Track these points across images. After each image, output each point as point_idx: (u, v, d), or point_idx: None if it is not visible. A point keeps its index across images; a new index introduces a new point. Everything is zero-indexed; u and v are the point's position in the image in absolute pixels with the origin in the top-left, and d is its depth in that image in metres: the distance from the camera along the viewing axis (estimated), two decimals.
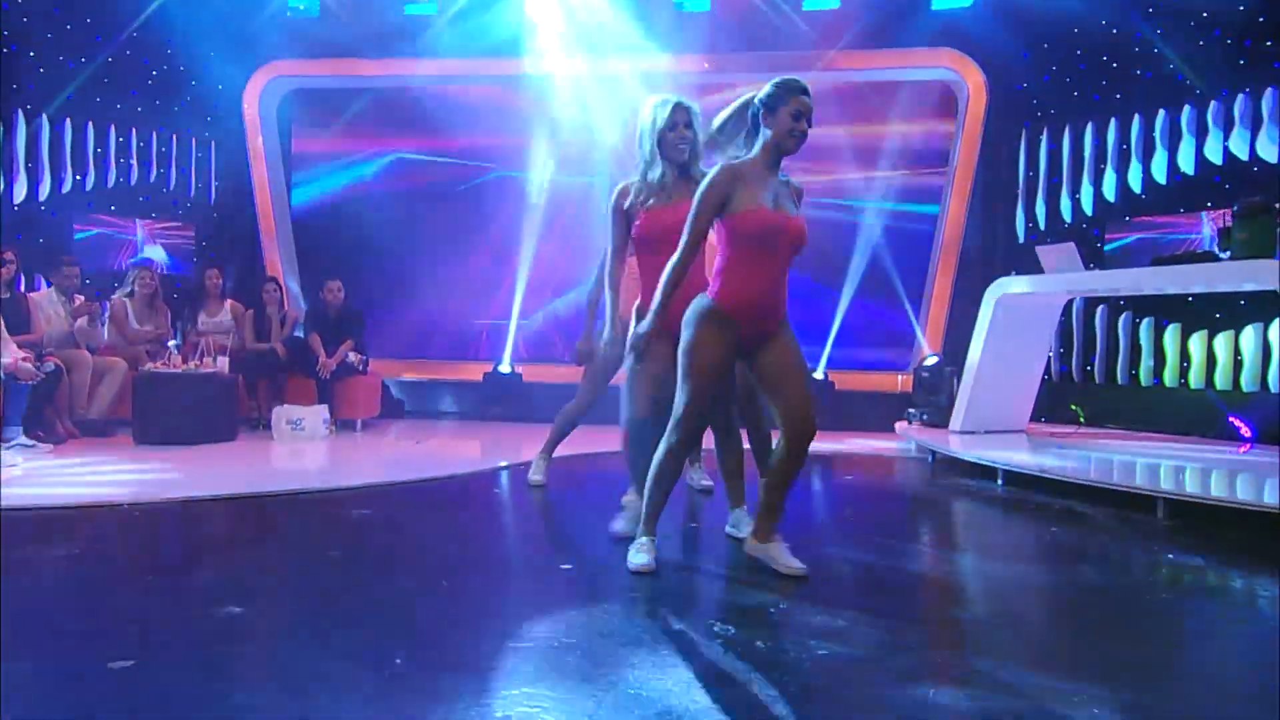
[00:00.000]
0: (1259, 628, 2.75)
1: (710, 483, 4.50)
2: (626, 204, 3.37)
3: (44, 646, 2.29)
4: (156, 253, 8.34)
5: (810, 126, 2.90)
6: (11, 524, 3.64)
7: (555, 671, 2.08)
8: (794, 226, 2.91)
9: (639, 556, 2.98)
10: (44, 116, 7.69)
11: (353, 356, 7.15)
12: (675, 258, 2.91)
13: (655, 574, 2.94)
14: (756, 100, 2.92)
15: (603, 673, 2.08)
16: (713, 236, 3.01)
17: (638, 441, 3.26)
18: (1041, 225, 8.02)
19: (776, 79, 2.92)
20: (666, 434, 2.97)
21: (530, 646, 2.27)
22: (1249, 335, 6.63)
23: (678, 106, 3.32)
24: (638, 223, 3.32)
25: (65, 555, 3.30)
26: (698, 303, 2.92)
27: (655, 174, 3.32)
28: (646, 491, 3.05)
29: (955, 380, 6.44)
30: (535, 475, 4.67)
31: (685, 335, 2.91)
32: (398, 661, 2.13)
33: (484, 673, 2.09)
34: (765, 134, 2.90)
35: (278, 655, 2.30)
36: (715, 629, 2.42)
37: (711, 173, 2.90)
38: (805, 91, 2.89)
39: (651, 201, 3.29)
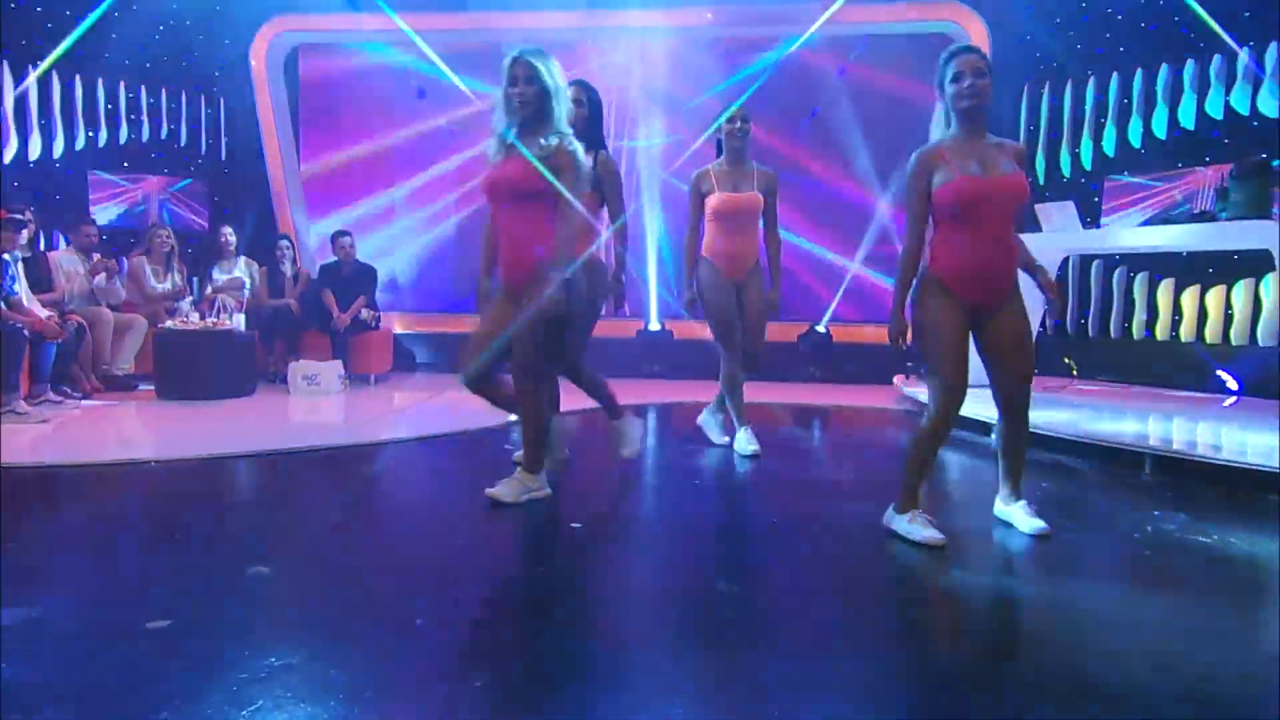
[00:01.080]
0: (1230, 584, 2.82)
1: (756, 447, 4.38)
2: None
3: (85, 606, 2.36)
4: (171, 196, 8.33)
5: (979, 78, 2.81)
6: (44, 481, 3.73)
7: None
8: (1002, 186, 2.83)
9: (926, 530, 2.91)
10: (53, 72, 7.59)
11: (365, 313, 7.19)
12: (904, 248, 2.97)
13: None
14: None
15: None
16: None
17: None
18: (1040, 180, 7.94)
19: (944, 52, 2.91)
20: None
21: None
22: (1240, 290, 6.62)
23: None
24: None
25: (98, 513, 3.37)
26: (920, 275, 2.94)
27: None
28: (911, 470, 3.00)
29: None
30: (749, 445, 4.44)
31: (913, 316, 2.95)
32: (419, 622, 2.20)
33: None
34: (946, 107, 2.90)
35: (304, 615, 2.34)
36: None
37: (910, 161, 2.94)
38: (962, 52, 2.86)
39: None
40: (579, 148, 3.15)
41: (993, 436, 3.15)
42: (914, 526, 2.92)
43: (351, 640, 2.14)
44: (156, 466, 3.99)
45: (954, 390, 2.90)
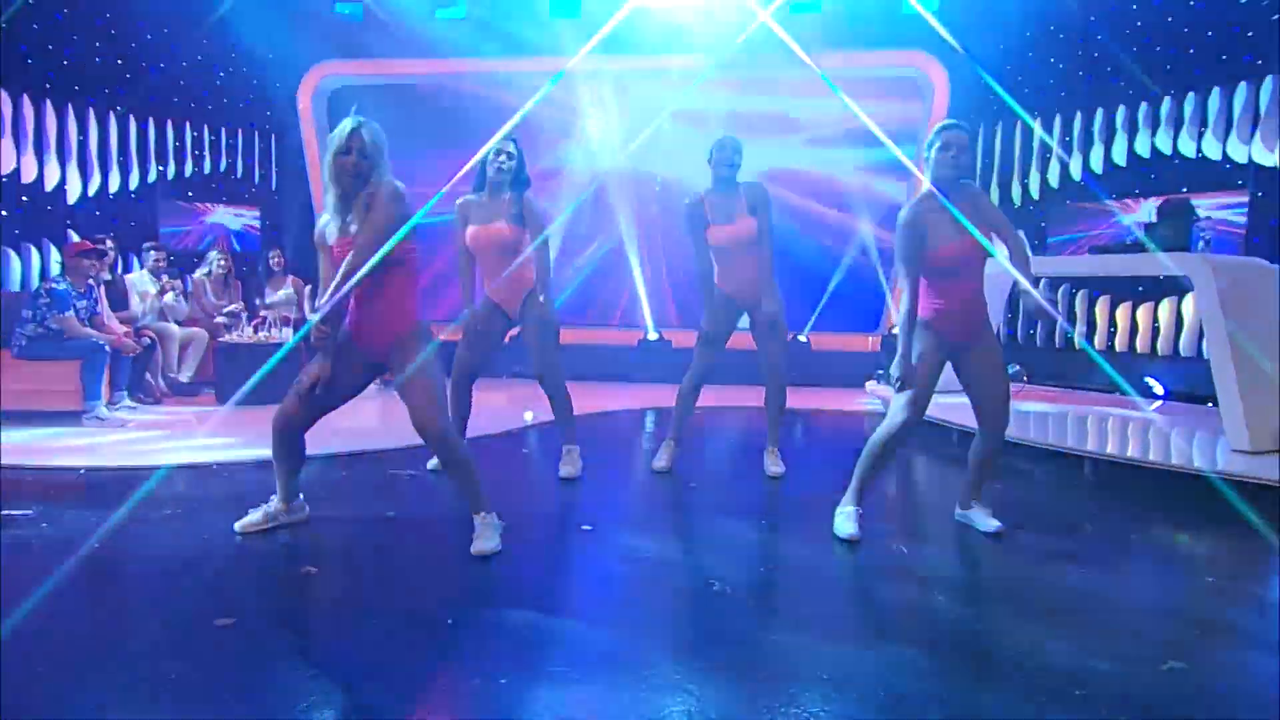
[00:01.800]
0: (1157, 568, 2.90)
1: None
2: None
3: (159, 604, 2.42)
4: (229, 222, 8.38)
5: (961, 154, 2.89)
6: (122, 483, 3.79)
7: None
8: (979, 249, 2.89)
9: (847, 526, 3.00)
10: (129, 115, 7.67)
11: None
12: (906, 302, 2.93)
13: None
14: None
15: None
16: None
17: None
18: (996, 205, 7.98)
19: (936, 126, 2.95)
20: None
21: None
22: (1165, 307, 6.70)
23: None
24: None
25: (169, 514, 3.41)
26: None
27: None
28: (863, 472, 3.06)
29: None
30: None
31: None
32: (449, 622, 2.26)
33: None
34: (931, 169, 2.96)
35: (350, 613, 2.40)
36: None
37: (900, 216, 2.94)
38: (951, 129, 2.91)
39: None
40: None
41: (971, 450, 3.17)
42: (842, 520, 3.03)
43: (390, 633, 2.21)
44: (217, 468, 4.06)
45: (914, 414, 2.96)
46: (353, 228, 2.66)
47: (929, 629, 2.37)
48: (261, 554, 2.81)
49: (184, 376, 6.31)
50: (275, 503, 3.00)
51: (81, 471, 3.93)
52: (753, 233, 3.82)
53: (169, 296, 6.45)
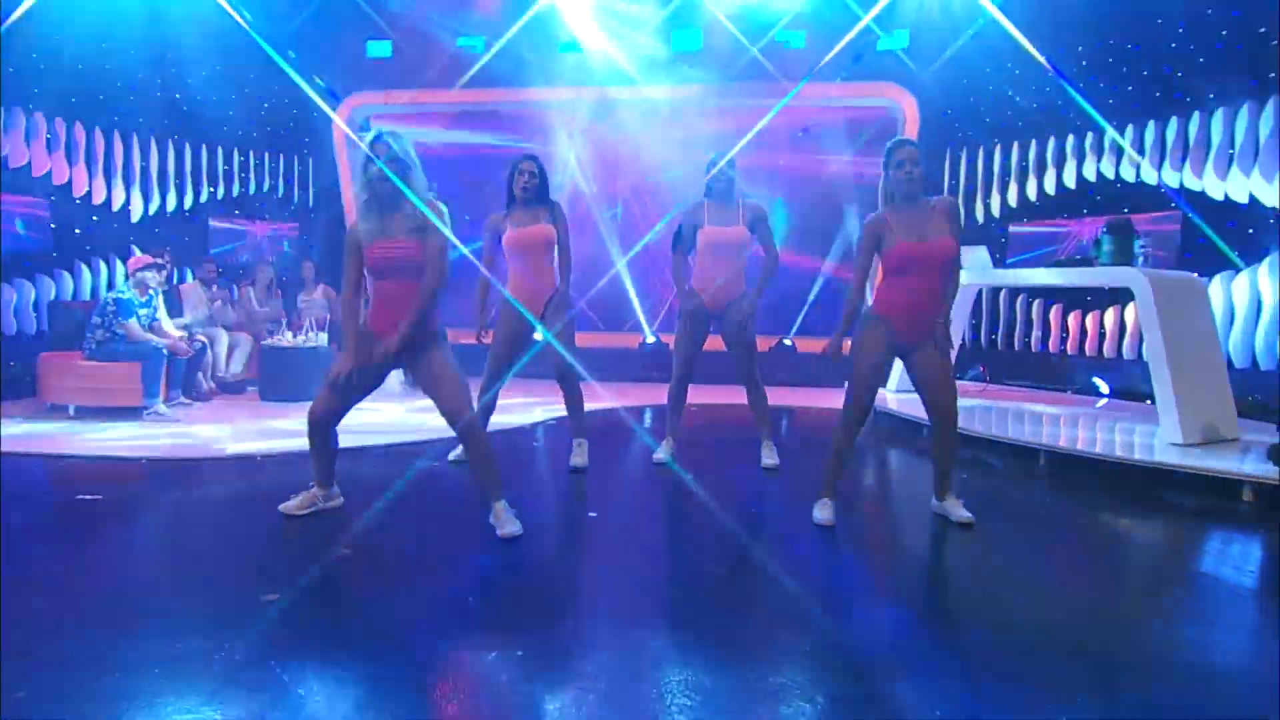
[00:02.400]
0: (1103, 550, 2.96)
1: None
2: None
3: (211, 579, 2.46)
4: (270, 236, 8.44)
5: (915, 166, 2.88)
6: (178, 471, 3.86)
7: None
8: (933, 249, 2.87)
9: (822, 514, 3.02)
10: (185, 142, 7.75)
11: None
12: (850, 292, 3.06)
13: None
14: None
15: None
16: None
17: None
18: (962, 224, 8.04)
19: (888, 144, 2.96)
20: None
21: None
22: (1110, 314, 6.76)
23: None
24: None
25: (218, 497, 3.48)
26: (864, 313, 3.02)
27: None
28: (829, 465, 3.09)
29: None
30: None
31: (853, 341, 3.03)
32: (470, 599, 2.32)
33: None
34: (889, 184, 2.96)
35: (383, 591, 2.44)
36: None
37: (861, 227, 3.03)
38: (903, 145, 2.93)
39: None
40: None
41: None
42: (819, 510, 3.05)
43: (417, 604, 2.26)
44: (262, 459, 4.11)
45: (859, 400, 3.02)
46: (392, 233, 2.70)
47: (901, 598, 2.43)
48: (301, 535, 2.86)
49: (231, 375, 6.37)
50: (314, 489, 3.05)
51: (144, 461, 3.99)
52: (742, 240, 3.82)
53: (218, 304, 6.52)
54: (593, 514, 3.33)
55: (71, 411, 5.08)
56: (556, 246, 3.71)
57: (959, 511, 3.08)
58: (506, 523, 2.80)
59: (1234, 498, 3.61)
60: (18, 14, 5.67)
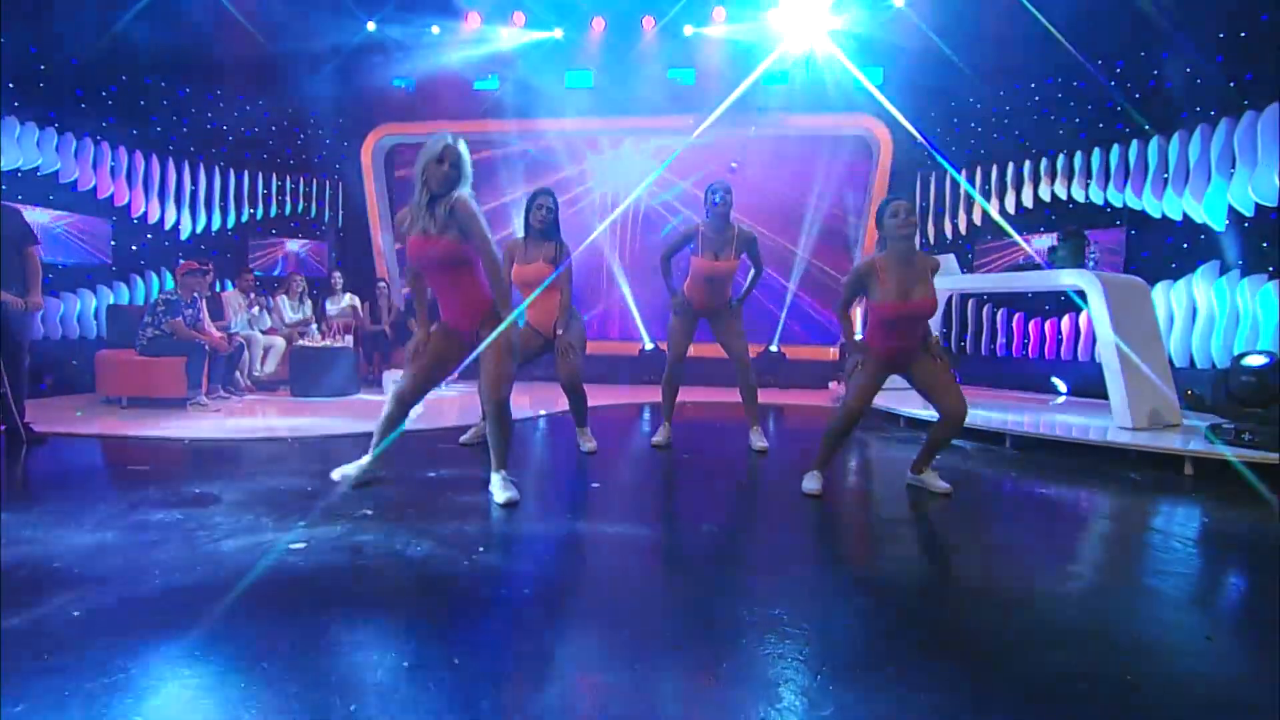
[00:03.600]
0: (1062, 517, 3.01)
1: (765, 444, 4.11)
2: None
3: (246, 525, 2.49)
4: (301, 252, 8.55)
5: (910, 217, 2.87)
6: (215, 451, 3.91)
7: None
8: (917, 307, 2.87)
9: (810, 484, 3.06)
10: (230, 168, 7.91)
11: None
12: (841, 323, 3.09)
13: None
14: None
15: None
16: None
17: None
18: (931, 241, 8.18)
19: (880, 203, 2.96)
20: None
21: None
22: (1066, 321, 6.84)
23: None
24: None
25: (254, 471, 3.53)
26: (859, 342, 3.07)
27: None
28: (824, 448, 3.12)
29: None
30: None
31: (850, 362, 3.09)
32: (480, 550, 2.33)
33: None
34: (886, 234, 2.94)
35: (399, 552, 2.51)
36: None
37: (856, 264, 3.04)
38: (898, 199, 2.92)
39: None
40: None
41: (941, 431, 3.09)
42: (809, 480, 3.10)
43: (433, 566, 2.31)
44: (292, 441, 4.17)
45: (858, 408, 3.06)
46: (432, 229, 2.69)
47: (883, 557, 2.48)
48: (326, 499, 2.91)
49: (265, 375, 6.44)
50: (368, 460, 3.06)
51: (186, 442, 4.06)
52: (733, 270, 3.93)
53: (255, 310, 6.61)
54: (595, 484, 3.38)
55: (124, 403, 5.15)
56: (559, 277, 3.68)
57: (938, 483, 3.11)
58: (505, 490, 2.84)
59: (1178, 471, 3.68)
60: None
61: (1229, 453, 3.55)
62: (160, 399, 5.12)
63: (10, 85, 5.90)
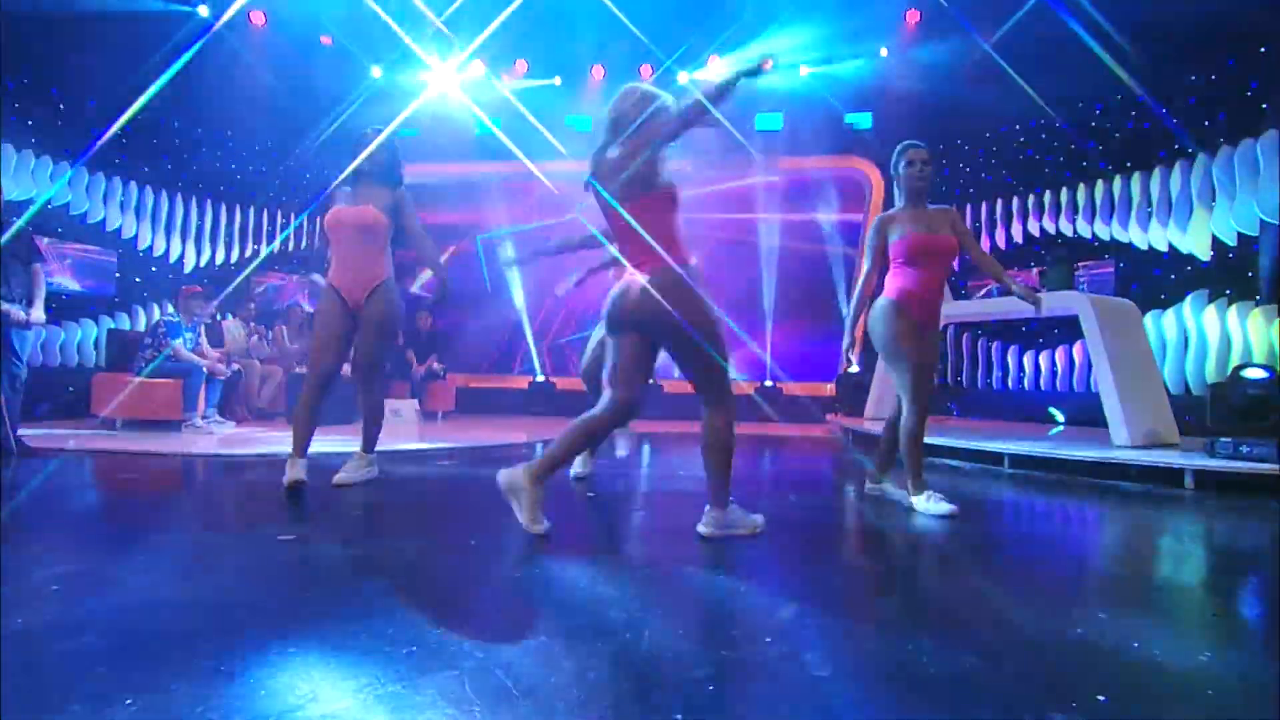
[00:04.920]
0: (1058, 527, 2.96)
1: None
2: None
3: (242, 527, 2.50)
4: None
5: (925, 166, 2.77)
6: (220, 466, 3.87)
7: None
8: (940, 242, 2.76)
9: (940, 506, 2.73)
10: (236, 206, 8.10)
11: (437, 366, 7.37)
12: (860, 286, 2.89)
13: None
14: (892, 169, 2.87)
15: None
16: None
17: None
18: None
19: (898, 146, 2.83)
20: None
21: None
22: (1060, 353, 6.89)
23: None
24: None
25: (253, 481, 3.51)
26: (882, 305, 2.83)
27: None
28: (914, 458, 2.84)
29: (867, 382, 6.64)
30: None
31: (880, 332, 2.81)
32: (472, 541, 2.27)
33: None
34: (899, 185, 2.85)
35: (392, 547, 2.48)
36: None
37: (873, 223, 2.91)
38: (912, 146, 2.82)
39: None
40: None
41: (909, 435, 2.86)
42: (930, 503, 2.75)
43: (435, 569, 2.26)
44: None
45: (924, 368, 2.78)
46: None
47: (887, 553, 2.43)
48: (314, 498, 2.88)
49: (262, 403, 6.42)
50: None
51: (177, 457, 4.02)
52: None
53: (254, 339, 6.64)
54: (590, 494, 3.34)
55: (118, 425, 5.11)
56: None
57: (897, 491, 2.94)
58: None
59: (1178, 484, 3.64)
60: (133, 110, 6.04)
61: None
62: (155, 421, 5.08)
63: (29, 123, 6.11)
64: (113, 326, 6.70)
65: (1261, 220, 5.34)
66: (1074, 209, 6.90)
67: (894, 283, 2.86)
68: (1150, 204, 6.25)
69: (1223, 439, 3.79)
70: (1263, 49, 5.53)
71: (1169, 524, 2.93)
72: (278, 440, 5.06)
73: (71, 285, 6.41)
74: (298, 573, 1.86)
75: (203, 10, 7.01)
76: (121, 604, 1.54)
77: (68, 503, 2.76)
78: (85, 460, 3.89)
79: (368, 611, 1.51)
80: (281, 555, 2.00)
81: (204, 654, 1.28)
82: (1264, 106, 5.48)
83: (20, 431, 3.88)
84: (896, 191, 2.91)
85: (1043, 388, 7.02)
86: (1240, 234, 5.60)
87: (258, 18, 7.56)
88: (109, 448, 4.21)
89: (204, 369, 5.28)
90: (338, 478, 3.10)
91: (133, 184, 7.02)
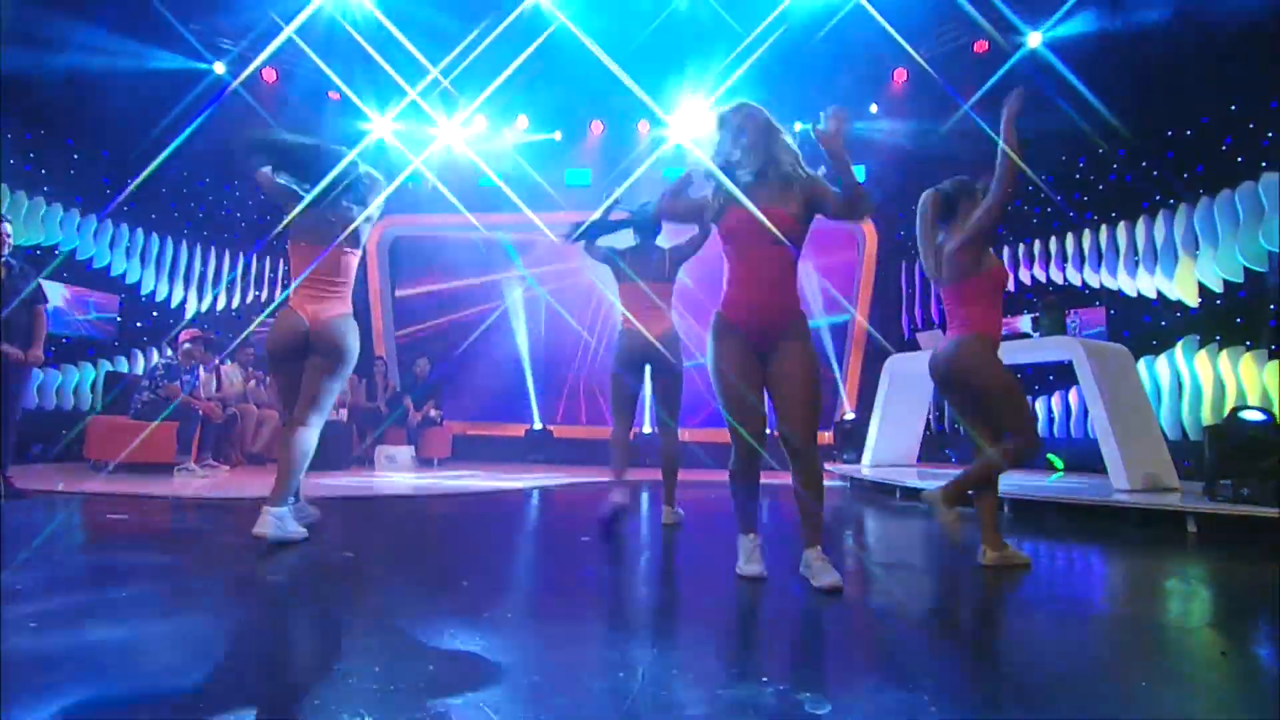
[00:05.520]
0: (1065, 574, 2.92)
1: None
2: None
3: (232, 573, 2.45)
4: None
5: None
6: (213, 509, 3.82)
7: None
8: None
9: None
10: (240, 252, 8.22)
11: (433, 413, 7.35)
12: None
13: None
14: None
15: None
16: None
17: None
18: (918, 322, 8.38)
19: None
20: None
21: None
22: (1057, 398, 6.90)
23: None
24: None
25: (243, 527, 3.45)
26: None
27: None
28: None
29: (865, 429, 6.59)
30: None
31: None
32: (464, 583, 2.28)
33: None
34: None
35: (381, 588, 2.44)
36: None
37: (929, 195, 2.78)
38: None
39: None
40: None
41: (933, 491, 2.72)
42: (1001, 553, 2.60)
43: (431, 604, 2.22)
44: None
45: (1032, 423, 2.68)
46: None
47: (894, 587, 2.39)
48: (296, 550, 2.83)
49: (257, 449, 6.37)
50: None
51: (167, 499, 3.97)
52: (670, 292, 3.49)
53: (251, 384, 6.64)
54: (585, 538, 3.28)
55: (110, 468, 5.06)
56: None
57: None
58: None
59: (1180, 529, 3.60)
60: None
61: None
62: (149, 464, 5.03)
63: (43, 171, 6.27)
64: (111, 369, 6.71)
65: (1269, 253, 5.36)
66: (1063, 257, 7.03)
67: (986, 314, 2.64)
68: (1137, 252, 6.38)
69: (1223, 481, 3.76)
70: (1232, 106, 5.75)
71: (1196, 574, 2.88)
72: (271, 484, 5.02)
73: (72, 329, 6.44)
74: (275, 614, 1.82)
75: (219, 68, 7.28)
76: (94, 642, 1.50)
77: (51, 544, 2.71)
78: (73, 502, 3.83)
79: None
80: (265, 597, 1.96)
81: (179, 698, 1.24)
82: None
83: (9, 472, 3.83)
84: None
85: (1040, 433, 7.00)
86: (1226, 281, 5.69)
87: (269, 74, 7.85)
88: (98, 490, 4.15)
89: (200, 413, 5.25)
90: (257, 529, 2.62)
91: (140, 230, 7.14)
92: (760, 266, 2.23)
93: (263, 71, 7.69)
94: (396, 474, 6.28)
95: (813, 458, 2.23)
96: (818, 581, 2.13)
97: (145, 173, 6.13)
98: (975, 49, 7.47)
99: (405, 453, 6.67)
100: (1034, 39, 6.81)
